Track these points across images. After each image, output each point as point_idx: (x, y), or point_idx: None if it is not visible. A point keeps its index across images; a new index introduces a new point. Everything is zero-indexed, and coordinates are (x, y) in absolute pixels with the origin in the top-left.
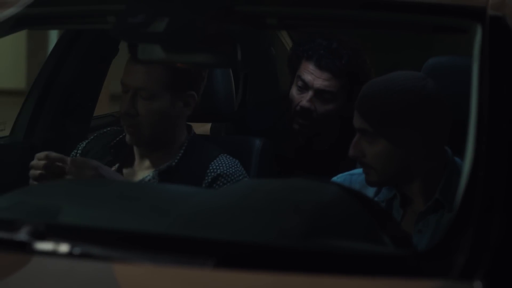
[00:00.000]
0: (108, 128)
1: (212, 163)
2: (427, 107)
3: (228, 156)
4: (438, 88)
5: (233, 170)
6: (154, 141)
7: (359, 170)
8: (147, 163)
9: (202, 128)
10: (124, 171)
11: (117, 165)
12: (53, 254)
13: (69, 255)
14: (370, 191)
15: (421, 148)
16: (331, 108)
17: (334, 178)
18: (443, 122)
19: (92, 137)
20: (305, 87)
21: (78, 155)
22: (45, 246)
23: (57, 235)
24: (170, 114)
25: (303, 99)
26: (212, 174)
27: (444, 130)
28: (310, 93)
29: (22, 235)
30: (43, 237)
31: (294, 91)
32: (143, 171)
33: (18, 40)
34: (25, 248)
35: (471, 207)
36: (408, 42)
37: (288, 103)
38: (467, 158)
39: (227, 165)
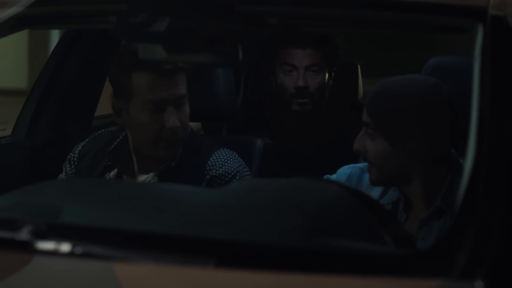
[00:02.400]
0: (103, 130)
1: (209, 161)
2: (435, 114)
3: (223, 151)
4: (451, 97)
5: (226, 169)
6: None
7: None
8: (146, 165)
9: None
10: (124, 176)
11: (116, 170)
12: (54, 253)
13: (70, 254)
14: (376, 193)
15: (423, 152)
16: (321, 78)
17: (345, 167)
18: (451, 129)
19: (87, 139)
20: (294, 68)
21: (75, 158)
22: (46, 245)
23: (58, 234)
24: None
25: (298, 80)
26: (208, 175)
27: (451, 136)
28: (301, 72)
29: (23, 234)
30: (44, 237)
31: (283, 78)
32: (142, 174)
33: (19, 40)
34: (27, 248)
35: (472, 207)
36: (409, 42)
37: (279, 93)
38: (469, 157)
39: (221, 162)
